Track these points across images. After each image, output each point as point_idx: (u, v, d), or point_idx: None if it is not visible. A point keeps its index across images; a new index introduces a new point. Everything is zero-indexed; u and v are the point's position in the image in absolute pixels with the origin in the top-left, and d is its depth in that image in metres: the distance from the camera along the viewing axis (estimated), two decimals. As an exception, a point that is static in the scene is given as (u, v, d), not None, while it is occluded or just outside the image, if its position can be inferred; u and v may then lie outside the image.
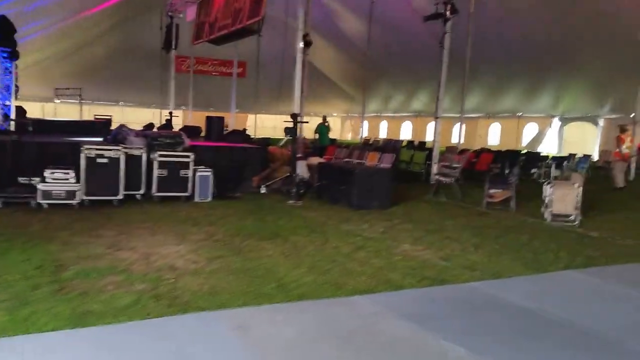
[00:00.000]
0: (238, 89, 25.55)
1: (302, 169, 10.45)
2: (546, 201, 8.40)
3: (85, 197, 7.93)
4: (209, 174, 9.05)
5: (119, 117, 27.86)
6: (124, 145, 8.49)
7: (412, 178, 13.15)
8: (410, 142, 21.73)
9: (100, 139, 9.84)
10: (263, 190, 10.17)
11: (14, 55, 10.99)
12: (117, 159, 8.16)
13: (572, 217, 8.17)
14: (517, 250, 6.37)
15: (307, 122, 11.29)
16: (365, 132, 33.39)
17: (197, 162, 9.07)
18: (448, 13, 12.74)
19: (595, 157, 21.08)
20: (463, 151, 15.15)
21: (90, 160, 8.02)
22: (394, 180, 9.84)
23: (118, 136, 9.17)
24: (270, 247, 5.96)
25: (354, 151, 13.10)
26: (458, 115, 20.69)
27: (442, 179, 11.07)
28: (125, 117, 30.39)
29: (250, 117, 38.59)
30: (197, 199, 8.93)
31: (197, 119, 21.93)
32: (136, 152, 8.51)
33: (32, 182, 7.74)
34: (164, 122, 21.60)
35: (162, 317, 3.67)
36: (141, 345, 3.19)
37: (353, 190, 8.92)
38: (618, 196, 11.91)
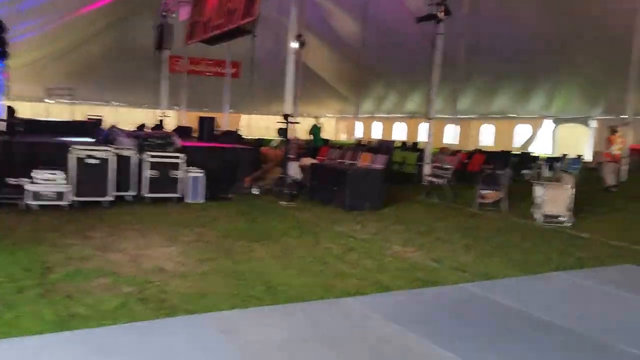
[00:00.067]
0: (232, 90, 25.48)
1: (294, 170, 10.43)
2: (538, 202, 8.42)
3: (75, 199, 7.86)
4: (200, 175, 9.01)
5: (112, 118, 27.69)
6: (114, 146, 8.43)
7: (404, 179, 13.15)
8: (403, 143, 21.75)
9: (91, 140, 9.77)
10: (255, 191, 10.14)
11: (3, 55, 10.89)
12: (107, 160, 8.09)
13: (563, 218, 8.19)
14: (508, 251, 6.38)
15: (298, 123, 11.26)
16: (359, 133, 33.41)
17: (189, 163, 9.02)
18: (441, 14, 12.75)
19: (588, 158, 21.19)
20: (455, 152, 15.18)
21: (80, 161, 7.95)
22: (387, 182, 9.83)
23: (108, 137, 9.10)
24: (261, 248, 5.93)
25: (347, 152, 13.10)
26: (451, 116, 20.79)
27: (434, 180, 11.07)
28: (118, 117, 30.23)
29: (244, 118, 38.57)
30: (188, 200, 8.89)
31: (191, 119, 21.85)
32: (126, 153, 8.46)
33: (21, 183, 7.66)
34: (157, 122, 21.48)
35: (148, 320, 3.64)
36: (125, 349, 3.15)
37: (345, 191, 8.90)
38: (609, 197, 11.95)
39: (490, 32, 21.74)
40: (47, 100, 29.70)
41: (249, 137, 21.42)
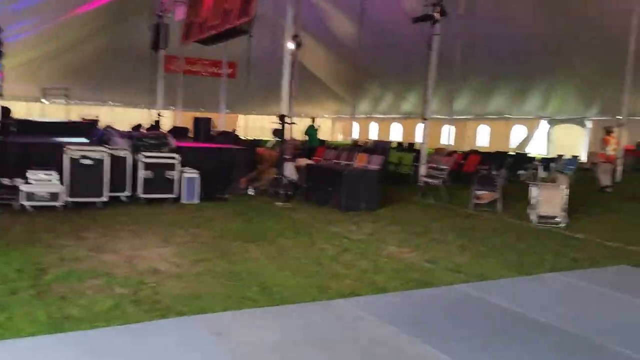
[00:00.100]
0: (229, 90, 25.45)
1: (290, 171, 10.41)
2: (532, 203, 8.43)
3: (69, 199, 7.83)
4: (195, 175, 8.99)
5: (108, 118, 27.59)
6: (108, 147, 8.41)
7: (400, 180, 13.16)
8: (399, 144, 21.77)
9: (86, 140, 9.73)
10: (251, 192, 10.13)
11: (-2, 55, 10.82)
12: (102, 160, 8.07)
13: (558, 219, 8.21)
14: (503, 252, 6.38)
15: (294, 124, 11.25)
16: (355, 134, 33.43)
17: (184, 164, 9.00)
18: (437, 15, 12.75)
19: (583, 158, 21.25)
20: (451, 153, 15.19)
21: (75, 162, 7.92)
22: (383, 182, 9.84)
23: (103, 137, 9.07)
24: (256, 249, 5.92)
25: (342, 152, 13.10)
26: (447, 117, 20.83)
27: (429, 180, 11.08)
28: (114, 117, 30.15)
29: (241, 118, 38.54)
30: (183, 200, 8.86)
31: (188, 119, 21.82)
32: (121, 154, 8.43)
33: (15, 183, 7.63)
34: (152, 123, 21.42)
35: (141, 322, 3.62)
36: (118, 351, 3.14)
37: (341, 192, 8.90)
38: (604, 198, 11.99)
39: (487, 32, 21.78)
40: (43, 101, 29.59)
41: (246, 138, 21.41)
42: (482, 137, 30.53)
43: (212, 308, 3.98)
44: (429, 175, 11.48)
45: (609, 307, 4.53)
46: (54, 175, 7.74)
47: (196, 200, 8.93)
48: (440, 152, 15.02)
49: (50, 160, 8.04)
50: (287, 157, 10.46)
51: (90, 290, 4.25)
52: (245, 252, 5.76)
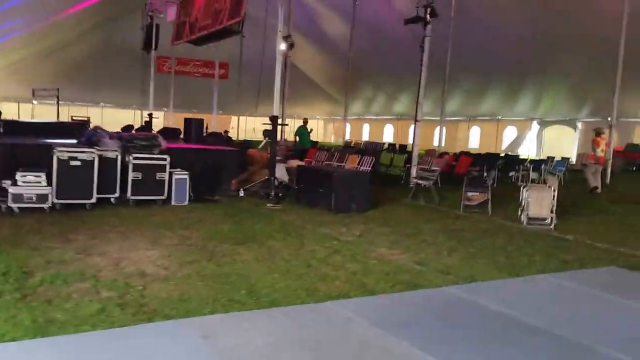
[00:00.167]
0: (221, 91, 25.38)
1: (281, 172, 10.38)
2: (522, 204, 8.45)
3: (57, 201, 7.76)
4: (185, 176, 8.94)
5: (99, 119, 27.47)
6: (97, 148, 8.33)
7: (391, 181, 13.17)
8: (391, 145, 21.79)
9: (75, 141, 9.64)
10: (241, 193, 10.08)
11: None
12: (91, 162, 7.99)
13: (548, 220, 8.23)
14: (492, 253, 6.39)
15: (286, 125, 11.22)
16: (348, 135, 33.45)
17: (174, 165, 8.94)
18: (428, 16, 12.79)
19: (574, 160, 21.37)
20: (442, 154, 15.23)
21: (63, 163, 7.84)
22: (374, 184, 9.83)
23: (92, 138, 8.99)
24: (245, 251, 5.88)
25: (334, 154, 13.09)
26: (439, 118, 20.89)
27: (420, 182, 11.09)
28: (105, 118, 29.99)
29: (234, 119, 38.45)
30: (173, 202, 8.81)
31: (180, 120, 21.73)
32: (110, 155, 8.36)
33: (3, 185, 7.54)
34: (143, 124, 21.31)
35: (127, 326, 3.58)
36: (102, 356, 3.09)
37: (332, 194, 8.88)
38: (594, 199, 12.05)
39: (478, 34, 21.87)
40: (34, 102, 29.36)
41: (237, 139, 21.34)
42: (474, 139, 30.66)
43: (199, 311, 3.95)
44: (420, 177, 11.49)
45: (599, 308, 4.53)
46: (42, 177, 7.65)
47: (186, 202, 8.87)
48: (431, 154, 15.04)
49: (39, 161, 7.97)
50: (279, 158, 10.43)
51: (76, 294, 4.20)
52: (234, 254, 5.72)
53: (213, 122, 24.09)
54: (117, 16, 28.22)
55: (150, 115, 21.09)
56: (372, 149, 17.17)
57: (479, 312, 4.20)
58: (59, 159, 7.81)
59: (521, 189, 8.67)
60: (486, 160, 15.14)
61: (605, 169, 14.78)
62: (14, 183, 7.54)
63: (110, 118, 30.32)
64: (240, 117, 38.50)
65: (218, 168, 10.12)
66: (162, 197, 8.71)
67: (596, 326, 4.04)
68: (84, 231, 6.47)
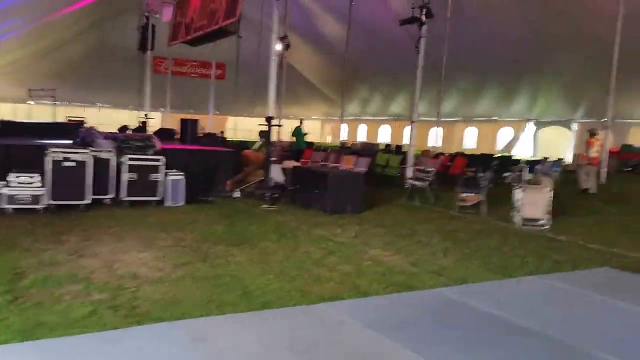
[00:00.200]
0: (217, 91, 25.35)
1: (276, 173, 10.37)
2: (517, 205, 8.46)
3: (51, 202, 7.73)
4: (180, 177, 8.92)
5: (95, 119, 27.36)
6: (92, 148, 8.31)
7: (387, 182, 13.17)
8: (387, 146, 21.80)
9: (69, 142, 9.61)
10: (236, 194, 10.06)
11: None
12: (85, 162, 7.97)
13: (542, 222, 8.24)
14: (486, 255, 6.39)
15: (281, 126, 11.21)
16: (344, 136, 33.46)
17: (169, 166, 8.92)
18: (424, 17, 12.80)
19: (569, 160, 21.42)
20: (438, 155, 15.24)
21: (57, 164, 7.82)
22: (369, 184, 9.82)
23: (86, 139, 8.97)
24: (239, 253, 5.87)
25: (330, 155, 13.10)
26: (435, 119, 20.93)
27: (415, 183, 11.09)
28: (102, 118, 29.90)
29: (230, 120, 38.43)
30: (168, 203, 8.78)
31: (176, 121, 21.68)
32: (105, 155, 8.33)
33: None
34: (139, 124, 21.24)
35: (118, 328, 3.56)
36: (92, 359, 3.08)
37: (327, 195, 8.87)
38: (588, 200, 12.08)
39: (474, 35, 21.92)
40: (29, 102, 29.28)
41: (233, 140, 21.30)
42: (470, 139, 30.71)
43: (192, 313, 3.93)
44: (415, 178, 11.50)
45: (592, 309, 4.54)
46: (35, 178, 7.62)
47: (181, 203, 8.86)
48: (426, 155, 15.04)
49: (33, 162, 7.92)
50: (274, 159, 10.42)
51: (68, 296, 4.19)
52: (228, 256, 5.71)
53: (210, 123, 24.05)
54: (113, 17, 28.17)
55: (145, 115, 21.02)
56: (369, 149, 17.16)
57: (473, 314, 4.21)
58: (53, 160, 7.79)
59: (513, 190, 8.67)
60: (481, 161, 15.15)
61: (600, 170, 14.81)
62: (8, 184, 7.50)
63: (107, 119, 30.26)
64: (237, 118, 38.47)
65: (213, 169, 10.10)
66: (157, 198, 8.68)
67: (589, 327, 4.05)
68: (77, 232, 6.45)
